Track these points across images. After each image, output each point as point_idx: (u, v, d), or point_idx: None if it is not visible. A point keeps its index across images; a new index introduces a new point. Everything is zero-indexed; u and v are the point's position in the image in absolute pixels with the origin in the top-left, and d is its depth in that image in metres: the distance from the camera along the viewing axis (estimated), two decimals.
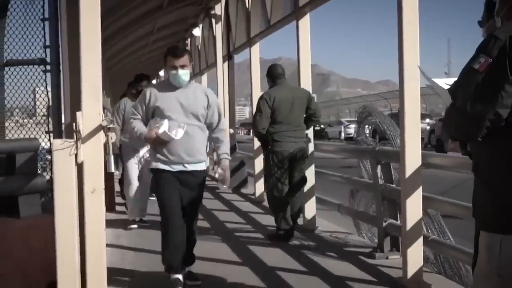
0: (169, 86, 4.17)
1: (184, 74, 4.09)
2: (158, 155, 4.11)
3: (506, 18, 2.08)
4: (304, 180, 6.18)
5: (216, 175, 4.24)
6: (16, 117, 5.21)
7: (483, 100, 1.93)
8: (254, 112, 6.06)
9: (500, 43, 1.92)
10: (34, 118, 5.07)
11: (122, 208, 7.87)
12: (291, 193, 5.96)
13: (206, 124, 4.24)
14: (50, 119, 4.33)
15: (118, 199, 8.34)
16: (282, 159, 5.84)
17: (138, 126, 4.14)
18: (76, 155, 3.21)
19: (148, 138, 4.10)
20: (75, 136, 3.20)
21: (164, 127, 3.97)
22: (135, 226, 6.75)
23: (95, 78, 3.30)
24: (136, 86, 6.93)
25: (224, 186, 4.38)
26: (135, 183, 6.78)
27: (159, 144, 4.06)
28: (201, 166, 4.21)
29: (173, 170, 4.10)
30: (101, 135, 3.34)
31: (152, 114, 4.14)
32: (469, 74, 1.97)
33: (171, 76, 4.12)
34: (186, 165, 4.11)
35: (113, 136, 3.50)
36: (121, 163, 7.40)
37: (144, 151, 6.60)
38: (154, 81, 21.36)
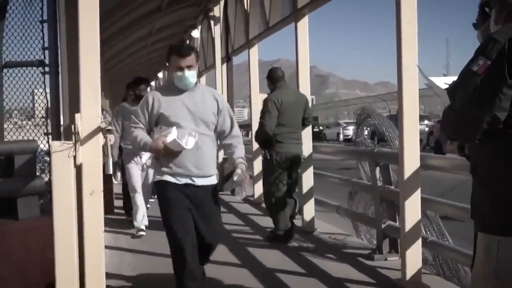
0: (174, 89, 3.66)
1: (191, 75, 3.61)
2: (164, 168, 3.60)
3: (504, 22, 2.08)
4: (298, 181, 6.34)
5: (235, 178, 3.75)
6: (14, 119, 5.21)
7: (481, 103, 1.93)
8: (262, 113, 6.05)
9: (499, 46, 1.92)
10: (32, 120, 5.07)
11: (121, 210, 7.87)
12: (289, 194, 6.05)
13: (216, 132, 3.76)
14: (48, 120, 4.33)
15: (117, 203, 8.32)
16: (285, 160, 5.96)
17: (141, 135, 3.62)
18: (74, 157, 3.21)
19: (154, 149, 3.56)
20: (73, 138, 3.20)
21: (173, 135, 3.47)
22: (143, 233, 6.43)
23: (94, 80, 3.30)
24: (134, 90, 6.75)
25: (243, 193, 3.76)
26: (140, 192, 6.53)
27: (168, 155, 3.54)
28: (212, 180, 3.70)
29: (180, 182, 3.59)
30: (99, 137, 3.34)
31: (156, 122, 3.64)
32: (467, 76, 1.97)
33: (176, 78, 3.62)
34: (194, 178, 3.60)
35: (112, 138, 3.49)
36: (119, 169, 7.17)
37: (146, 157, 6.32)
38: (152, 83, 21.38)
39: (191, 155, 3.54)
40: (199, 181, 3.61)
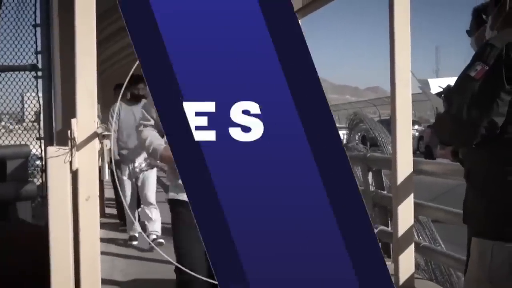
0: None
1: None
2: (178, 181, 2.88)
3: (501, 28, 2.10)
4: None
5: None
6: (6, 123, 5.19)
7: (479, 108, 1.94)
8: None
9: (496, 51, 1.93)
10: (24, 123, 5.05)
11: (115, 214, 7.83)
12: None
13: None
14: (40, 125, 4.32)
15: (111, 210, 8.28)
16: None
17: (151, 138, 3.05)
18: (70, 162, 3.19)
19: (165, 157, 2.92)
20: (69, 144, 3.19)
21: None
22: (135, 242, 6.18)
23: (91, 83, 3.28)
24: (131, 89, 6.14)
25: None
26: (130, 201, 6.27)
27: None
28: None
29: None
30: (96, 142, 3.32)
31: None
32: (465, 81, 1.98)
33: None
34: None
35: (107, 143, 3.47)
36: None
37: (140, 160, 5.84)
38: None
39: None
40: None
